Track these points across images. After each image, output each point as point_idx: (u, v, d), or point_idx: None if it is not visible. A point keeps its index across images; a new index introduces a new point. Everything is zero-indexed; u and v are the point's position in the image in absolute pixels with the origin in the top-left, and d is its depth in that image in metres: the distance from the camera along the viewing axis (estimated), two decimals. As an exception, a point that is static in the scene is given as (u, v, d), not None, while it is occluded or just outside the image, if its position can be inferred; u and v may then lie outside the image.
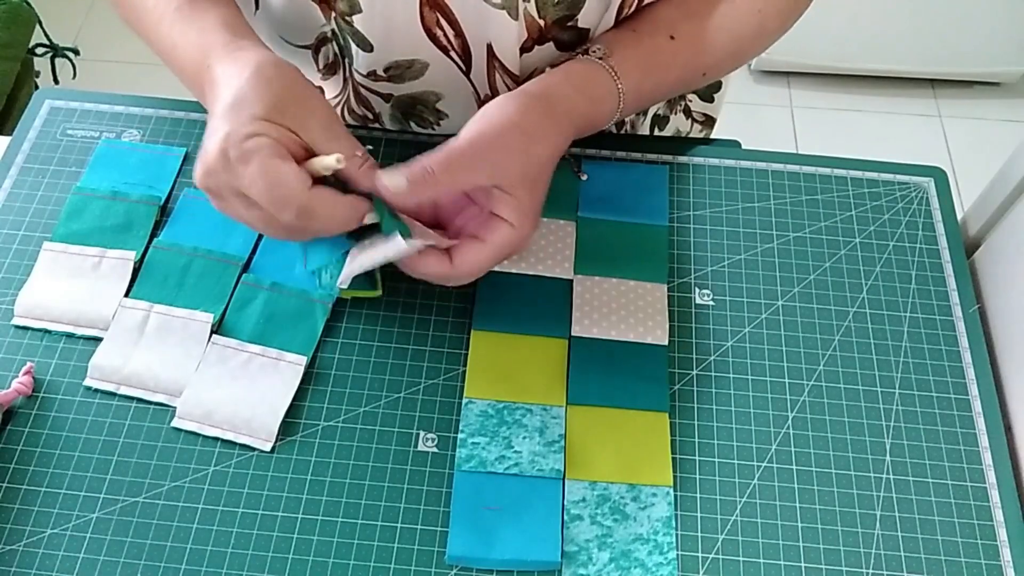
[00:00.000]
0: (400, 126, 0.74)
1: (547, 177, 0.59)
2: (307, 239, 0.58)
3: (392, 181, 0.55)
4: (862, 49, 1.90)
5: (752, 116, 1.95)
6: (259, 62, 0.54)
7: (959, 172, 1.74)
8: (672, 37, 0.64)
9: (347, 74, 0.70)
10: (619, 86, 0.62)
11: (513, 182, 0.56)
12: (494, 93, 0.68)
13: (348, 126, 0.73)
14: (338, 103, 0.73)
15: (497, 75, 0.67)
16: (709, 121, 0.87)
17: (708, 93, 0.85)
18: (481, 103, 0.70)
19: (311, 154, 0.54)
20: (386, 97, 0.70)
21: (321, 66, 0.72)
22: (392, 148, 0.73)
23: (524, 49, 0.66)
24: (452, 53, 0.65)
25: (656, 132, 0.84)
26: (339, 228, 0.55)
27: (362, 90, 0.70)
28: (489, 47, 0.65)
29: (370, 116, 0.73)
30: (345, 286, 0.60)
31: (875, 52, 1.91)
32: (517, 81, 0.68)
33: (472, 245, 0.57)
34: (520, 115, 0.57)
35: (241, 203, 0.53)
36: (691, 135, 0.87)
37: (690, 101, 0.85)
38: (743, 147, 0.77)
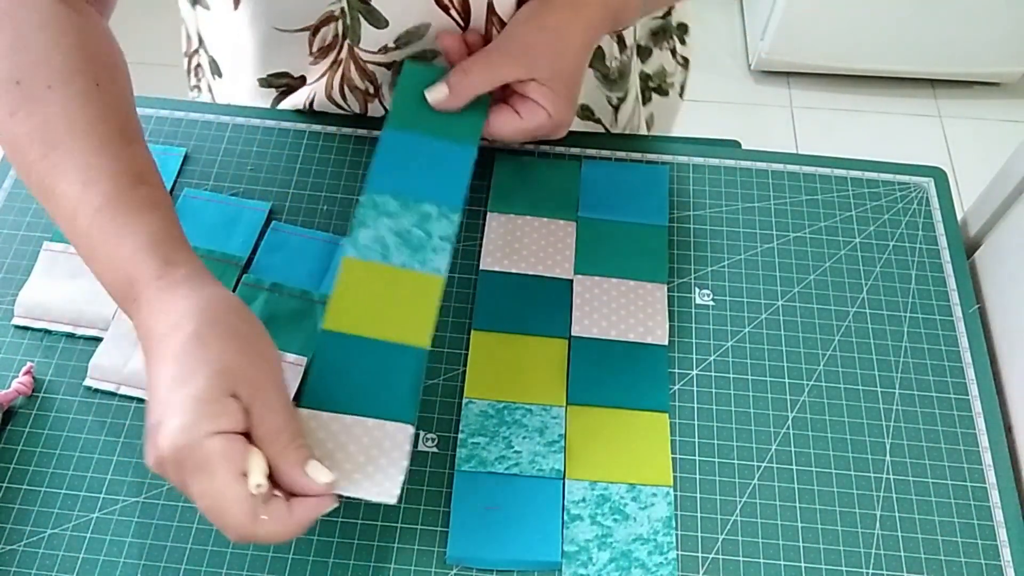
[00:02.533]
0: None
1: (580, 68, 0.64)
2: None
3: (434, 94, 0.63)
4: (862, 49, 1.90)
5: (752, 116, 1.95)
6: (195, 310, 0.48)
7: (959, 172, 1.74)
8: None
9: (340, 55, 0.70)
10: None
11: (546, 76, 0.62)
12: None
13: (343, 110, 0.73)
14: (324, 81, 0.72)
15: (494, 30, 0.67)
16: (686, 63, 0.90)
17: (681, 36, 0.88)
18: None
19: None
20: (388, 66, 0.70)
21: (315, 48, 0.71)
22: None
23: (521, 3, 0.66)
24: (452, 12, 0.66)
25: (642, 67, 0.85)
26: (284, 540, 0.50)
27: (369, 65, 0.70)
28: (489, 4, 0.66)
29: (371, 91, 0.73)
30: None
31: (875, 52, 1.91)
32: None
33: (510, 115, 0.63)
34: (547, 15, 0.62)
35: (192, 493, 0.48)
36: (673, 77, 0.88)
37: (673, 46, 0.87)
38: (743, 147, 0.77)
